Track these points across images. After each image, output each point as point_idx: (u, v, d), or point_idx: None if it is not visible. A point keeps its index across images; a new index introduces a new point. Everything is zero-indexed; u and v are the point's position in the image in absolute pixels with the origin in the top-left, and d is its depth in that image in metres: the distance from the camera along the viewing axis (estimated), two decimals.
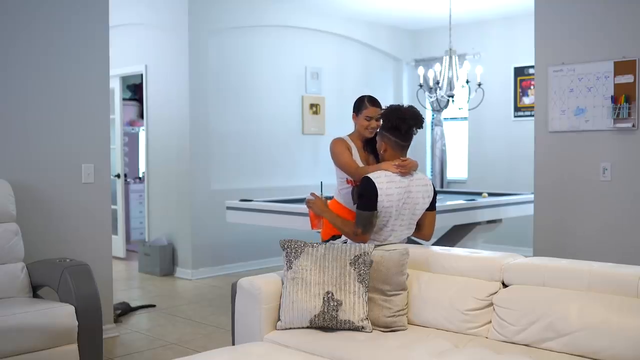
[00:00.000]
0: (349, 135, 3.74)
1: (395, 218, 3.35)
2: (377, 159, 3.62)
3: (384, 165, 3.37)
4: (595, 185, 4.50)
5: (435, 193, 3.51)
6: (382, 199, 3.26)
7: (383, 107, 3.54)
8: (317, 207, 3.51)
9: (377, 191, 3.25)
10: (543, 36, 4.71)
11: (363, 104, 3.64)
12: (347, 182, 3.66)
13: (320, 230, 3.67)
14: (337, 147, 3.66)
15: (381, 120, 3.47)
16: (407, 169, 3.34)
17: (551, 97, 4.66)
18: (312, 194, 3.56)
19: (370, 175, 3.30)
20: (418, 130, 3.40)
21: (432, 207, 3.49)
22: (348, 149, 3.65)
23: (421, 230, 3.56)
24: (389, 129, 3.36)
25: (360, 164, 3.64)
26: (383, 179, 3.29)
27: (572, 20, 4.58)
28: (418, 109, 3.39)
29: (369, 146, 3.70)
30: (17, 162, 4.17)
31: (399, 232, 3.41)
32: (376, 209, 3.26)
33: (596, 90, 4.47)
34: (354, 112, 3.69)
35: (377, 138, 3.48)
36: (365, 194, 3.29)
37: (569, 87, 4.58)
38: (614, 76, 4.38)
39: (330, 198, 3.74)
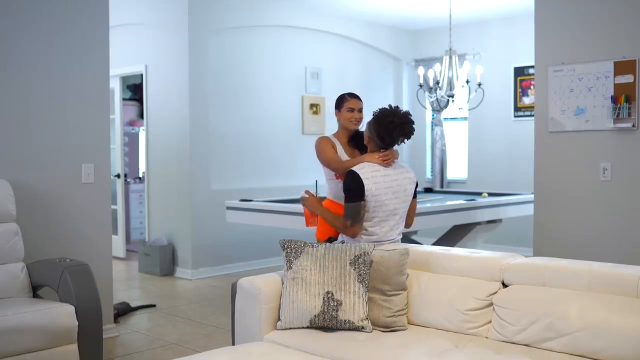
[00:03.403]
0: (334, 134, 3.84)
1: (388, 206, 3.36)
2: (363, 153, 3.69)
3: (366, 157, 3.45)
4: (595, 185, 4.49)
5: (417, 183, 3.58)
6: (370, 187, 3.30)
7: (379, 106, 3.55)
8: (310, 203, 3.62)
9: (362, 182, 3.29)
10: (543, 36, 4.71)
11: (343, 98, 3.78)
12: (336, 177, 3.72)
13: (314, 226, 3.72)
14: (320, 145, 3.76)
15: (363, 114, 3.59)
16: (389, 160, 3.42)
17: (551, 97, 4.65)
18: (306, 192, 3.65)
19: (354, 168, 3.36)
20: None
21: (414, 195, 3.56)
22: (332, 146, 3.75)
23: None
24: (376, 131, 3.40)
25: (346, 159, 3.71)
26: (367, 169, 3.35)
27: (572, 20, 4.57)
28: (412, 119, 3.41)
29: (354, 141, 3.79)
30: (17, 162, 4.17)
31: (393, 222, 3.42)
32: (363, 199, 3.29)
33: (596, 90, 4.46)
34: (336, 109, 3.82)
35: (365, 128, 3.53)
36: (350, 187, 3.34)
37: (569, 87, 4.57)
38: (614, 76, 4.37)
39: (324, 199, 3.80)
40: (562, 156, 4.64)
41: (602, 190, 4.47)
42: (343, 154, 3.73)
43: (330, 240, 3.63)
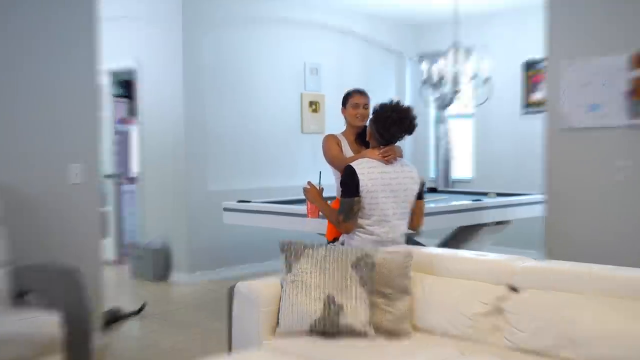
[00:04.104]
0: (342, 132, 3.95)
1: (385, 204, 3.35)
2: None
3: (368, 153, 3.48)
4: (610, 185, 4.43)
5: (423, 183, 3.57)
6: (365, 184, 3.31)
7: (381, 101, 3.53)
8: (311, 194, 3.66)
9: (357, 177, 3.31)
10: (555, 28, 4.65)
11: (349, 94, 3.89)
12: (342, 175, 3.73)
13: (316, 217, 3.83)
14: (326, 143, 3.88)
15: (370, 110, 3.61)
16: (390, 157, 3.40)
17: (563, 92, 4.58)
18: (308, 183, 3.70)
19: (352, 163, 3.40)
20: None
21: (420, 196, 3.55)
22: (337, 143, 3.85)
23: (410, 220, 3.57)
24: (375, 127, 3.41)
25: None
26: (364, 164, 3.37)
27: (585, 11, 4.51)
28: (412, 115, 3.39)
29: (361, 138, 3.82)
30: (2, 162, 4.07)
31: (393, 221, 3.41)
32: (357, 196, 3.30)
33: (611, 84, 4.36)
34: (342, 106, 3.92)
35: (368, 124, 3.55)
36: (346, 181, 3.37)
37: (582, 82, 4.48)
38: (631, 70, 4.26)
39: (333, 198, 3.79)
40: (575, 154, 4.59)
41: (617, 190, 4.41)
42: (349, 151, 3.78)
43: (335, 240, 3.63)
